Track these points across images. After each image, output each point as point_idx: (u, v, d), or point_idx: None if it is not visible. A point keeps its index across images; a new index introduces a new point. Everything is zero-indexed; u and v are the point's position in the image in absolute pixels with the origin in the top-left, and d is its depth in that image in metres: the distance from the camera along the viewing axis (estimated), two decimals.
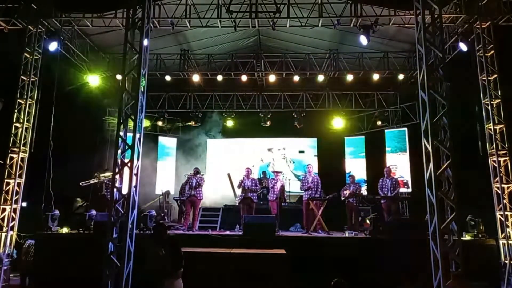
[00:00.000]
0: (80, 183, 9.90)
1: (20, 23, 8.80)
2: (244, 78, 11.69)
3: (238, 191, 10.11)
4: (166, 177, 13.21)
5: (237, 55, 11.95)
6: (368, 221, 8.92)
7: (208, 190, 13.25)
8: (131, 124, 7.15)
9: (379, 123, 13.09)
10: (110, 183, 8.04)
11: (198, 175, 9.77)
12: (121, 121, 7.19)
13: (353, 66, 11.58)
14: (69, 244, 8.05)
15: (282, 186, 9.89)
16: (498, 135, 8.22)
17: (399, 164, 12.48)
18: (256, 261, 6.99)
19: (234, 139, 14.12)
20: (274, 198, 9.64)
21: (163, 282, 5.10)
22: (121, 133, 7.22)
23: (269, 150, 14.14)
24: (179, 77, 11.97)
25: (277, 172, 10.02)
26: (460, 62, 9.52)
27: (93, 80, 11.23)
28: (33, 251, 8.11)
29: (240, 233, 8.69)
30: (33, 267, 8.05)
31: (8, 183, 8.28)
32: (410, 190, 11.99)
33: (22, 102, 8.58)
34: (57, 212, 8.71)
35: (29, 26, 8.79)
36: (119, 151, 7.12)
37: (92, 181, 9.97)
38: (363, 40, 9.20)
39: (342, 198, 9.91)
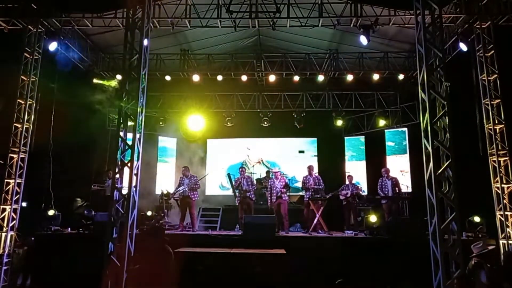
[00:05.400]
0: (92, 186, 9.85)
1: (20, 23, 8.79)
2: (244, 78, 11.69)
3: (236, 191, 10.05)
4: (166, 177, 13.21)
5: (237, 55, 11.94)
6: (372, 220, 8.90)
7: (208, 190, 13.33)
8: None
9: (379, 123, 13.10)
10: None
11: (191, 177, 9.69)
12: (121, 121, 7.20)
13: (353, 66, 11.56)
14: (69, 244, 8.06)
15: (286, 184, 9.69)
16: (498, 135, 8.21)
17: (398, 164, 12.46)
18: (256, 261, 6.99)
19: (234, 139, 14.11)
20: (275, 200, 9.49)
21: None
22: (121, 133, 7.23)
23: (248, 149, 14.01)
24: (179, 77, 11.98)
25: (276, 172, 9.93)
26: (460, 62, 9.51)
27: (94, 80, 11.24)
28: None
29: (240, 233, 8.69)
30: (33, 267, 8.07)
31: (8, 183, 8.28)
32: (410, 190, 11.98)
33: (22, 102, 8.58)
34: (51, 212, 8.70)
35: (29, 26, 8.79)
36: (119, 151, 7.13)
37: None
38: (363, 40, 9.20)
39: (342, 198, 9.89)
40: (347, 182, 10.21)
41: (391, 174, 10.11)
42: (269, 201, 9.69)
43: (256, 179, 12.08)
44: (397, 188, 9.76)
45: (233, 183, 11.26)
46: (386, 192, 9.74)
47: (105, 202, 8.34)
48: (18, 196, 8.34)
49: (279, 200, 9.46)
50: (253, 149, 14.08)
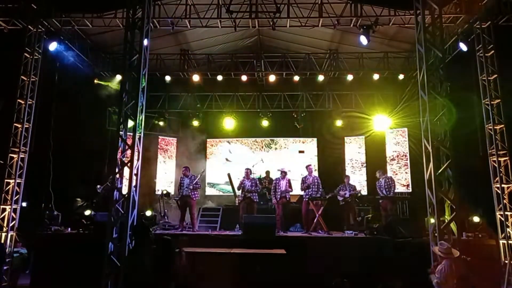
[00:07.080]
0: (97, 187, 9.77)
1: (20, 23, 8.78)
2: (244, 78, 11.69)
3: (239, 192, 10.09)
4: (166, 177, 13.21)
5: (237, 55, 11.94)
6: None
7: (208, 190, 13.34)
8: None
9: (379, 123, 13.07)
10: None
11: (192, 176, 9.68)
12: (121, 121, 7.20)
13: (353, 66, 11.57)
14: (69, 244, 8.06)
15: (289, 182, 9.78)
16: (498, 135, 8.21)
17: (396, 164, 12.45)
18: (256, 261, 6.99)
19: (234, 139, 14.11)
20: (279, 198, 9.54)
21: None
22: (121, 133, 7.24)
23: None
24: (179, 77, 11.98)
25: (284, 172, 9.92)
26: (460, 62, 9.51)
27: (95, 80, 11.26)
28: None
29: (240, 233, 8.69)
30: (33, 267, 8.08)
31: (8, 183, 8.27)
32: (410, 190, 11.98)
33: (22, 102, 8.57)
34: (49, 212, 8.71)
35: (29, 26, 8.77)
36: (119, 151, 7.14)
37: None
38: (363, 40, 9.19)
39: (340, 198, 9.89)
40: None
41: (389, 174, 10.15)
42: (274, 199, 9.71)
43: (257, 179, 12.11)
44: (391, 188, 9.79)
45: (233, 182, 11.30)
46: (382, 191, 9.82)
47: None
48: (18, 196, 8.33)
49: (283, 199, 9.50)
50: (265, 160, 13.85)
